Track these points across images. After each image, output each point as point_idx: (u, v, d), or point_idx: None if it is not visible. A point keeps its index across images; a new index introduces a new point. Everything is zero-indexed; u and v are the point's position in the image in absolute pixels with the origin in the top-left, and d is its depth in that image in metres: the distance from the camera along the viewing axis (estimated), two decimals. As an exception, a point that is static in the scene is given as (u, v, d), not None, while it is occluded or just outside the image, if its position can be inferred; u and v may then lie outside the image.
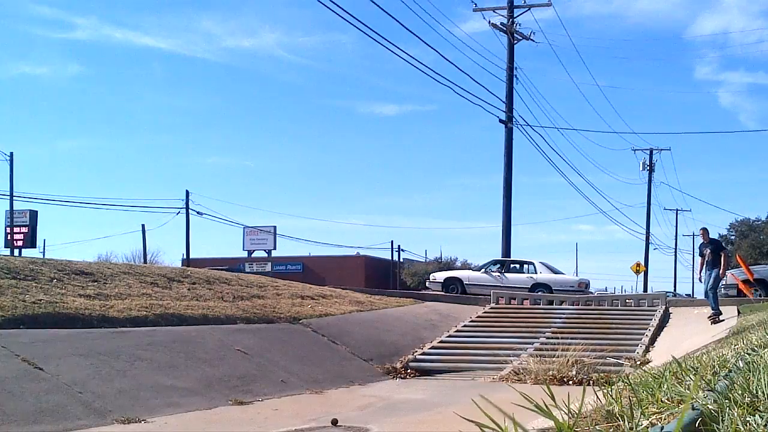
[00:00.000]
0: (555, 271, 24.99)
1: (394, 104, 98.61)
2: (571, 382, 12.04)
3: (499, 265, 25.34)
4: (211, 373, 10.72)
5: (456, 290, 24.07)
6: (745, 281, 16.15)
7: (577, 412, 2.28)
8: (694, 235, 74.65)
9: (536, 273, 24.13)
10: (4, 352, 9.03)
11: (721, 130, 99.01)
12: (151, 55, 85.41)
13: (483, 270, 25.12)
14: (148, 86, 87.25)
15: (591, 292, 26.46)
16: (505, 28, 30.11)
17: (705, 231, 16.26)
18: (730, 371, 3.29)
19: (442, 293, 23.45)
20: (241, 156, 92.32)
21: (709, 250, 15.42)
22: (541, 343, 15.08)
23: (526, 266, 24.93)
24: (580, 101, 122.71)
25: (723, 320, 14.86)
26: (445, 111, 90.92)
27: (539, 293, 21.98)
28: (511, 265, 25.35)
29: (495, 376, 13.27)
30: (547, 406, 1.98)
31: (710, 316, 15.50)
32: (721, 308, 15.87)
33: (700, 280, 15.90)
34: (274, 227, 45.04)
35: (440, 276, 25.55)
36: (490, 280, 23.96)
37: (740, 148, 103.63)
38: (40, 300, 11.33)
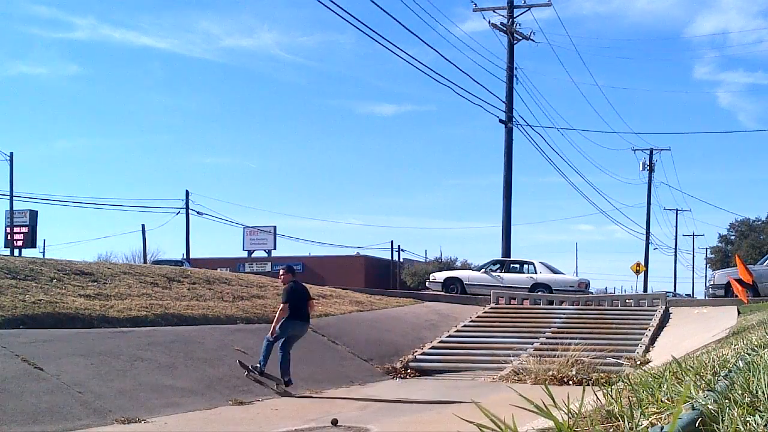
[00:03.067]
0: (555, 271, 25.00)
1: (393, 104, 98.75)
2: (571, 382, 12.03)
3: (499, 265, 25.34)
4: (211, 373, 10.71)
5: (456, 290, 24.06)
6: (740, 282, 15.87)
7: (577, 412, 2.28)
8: (694, 235, 74.81)
9: (536, 273, 24.13)
10: (4, 352, 9.03)
11: (721, 130, 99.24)
12: (150, 55, 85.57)
13: (483, 270, 25.12)
14: (147, 86, 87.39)
15: (591, 292, 26.49)
16: (505, 28, 30.12)
17: (281, 270, 12.11)
18: (730, 371, 3.29)
19: (442, 293, 23.45)
20: (240, 156, 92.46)
21: None
22: (541, 343, 15.07)
23: (526, 266, 24.93)
24: (580, 101, 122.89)
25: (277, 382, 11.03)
26: (445, 111, 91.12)
27: (539, 293, 21.98)
28: (511, 265, 25.35)
29: (495, 376, 13.27)
30: (546, 407, 1.98)
31: (249, 370, 11.09)
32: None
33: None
34: (274, 227, 45.09)
35: (440, 276, 25.54)
36: (490, 280, 23.96)
37: (740, 148, 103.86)
38: (40, 300, 11.32)
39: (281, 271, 12.06)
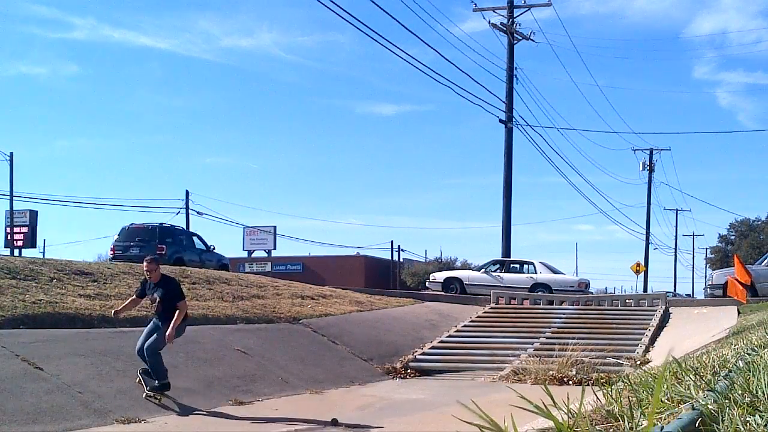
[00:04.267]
0: (555, 271, 25.01)
1: (392, 104, 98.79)
2: (570, 382, 12.04)
3: (498, 265, 25.36)
4: (211, 373, 10.71)
5: (456, 290, 24.08)
6: (738, 282, 15.74)
7: (576, 412, 2.28)
8: (694, 235, 74.81)
9: (536, 273, 24.15)
10: (4, 352, 9.03)
11: (721, 130, 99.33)
12: (149, 55, 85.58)
13: (483, 270, 25.15)
14: (147, 86, 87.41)
15: (590, 292, 26.52)
16: (505, 28, 30.11)
17: (151, 262, 9.78)
18: (730, 371, 3.29)
19: (442, 293, 23.47)
20: (240, 156, 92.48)
21: (158, 296, 9.61)
22: (541, 343, 15.08)
23: (525, 266, 24.95)
24: (580, 101, 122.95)
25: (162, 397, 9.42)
26: (444, 111, 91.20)
27: (539, 293, 21.99)
28: (511, 265, 25.37)
29: (495, 376, 13.27)
30: (546, 407, 1.97)
31: (149, 391, 9.32)
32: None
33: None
34: (274, 227, 45.07)
35: (440, 276, 25.58)
36: (489, 280, 23.98)
37: (740, 148, 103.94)
38: (40, 300, 11.32)
39: (151, 265, 9.70)
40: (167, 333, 9.36)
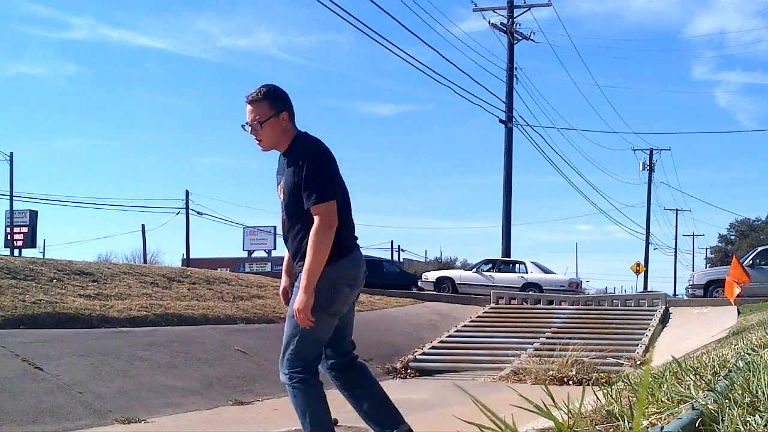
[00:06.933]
0: (546, 271, 25.15)
1: (392, 104, 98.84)
2: (571, 382, 12.02)
3: (490, 265, 25.53)
4: (211, 373, 10.71)
5: (447, 289, 24.28)
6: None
7: (576, 412, 2.28)
8: (694, 235, 74.87)
9: (527, 272, 24.32)
10: (4, 352, 9.03)
11: (720, 130, 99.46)
12: (148, 54, 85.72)
13: (474, 269, 25.36)
14: (146, 86, 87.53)
15: (582, 291, 26.72)
16: (504, 28, 30.13)
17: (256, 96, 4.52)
18: (730, 371, 3.29)
19: (442, 294, 23.57)
20: (240, 156, 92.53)
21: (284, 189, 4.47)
22: (541, 343, 15.07)
23: (517, 266, 25.15)
24: (580, 101, 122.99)
25: None
26: (444, 111, 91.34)
27: (530, 292, 22.11)
28: (503, 265, 25.56)
29: (495, 376, 13.26)
30: (546, 407, 1.98)
31: None
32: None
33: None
34: (274, 227, 45.06)
35: (432, 275, 25.84)
36: (481, 280, 24.18)
37: (739, 148, 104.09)
38: (40, 300, 11.32)
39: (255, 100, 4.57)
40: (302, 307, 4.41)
